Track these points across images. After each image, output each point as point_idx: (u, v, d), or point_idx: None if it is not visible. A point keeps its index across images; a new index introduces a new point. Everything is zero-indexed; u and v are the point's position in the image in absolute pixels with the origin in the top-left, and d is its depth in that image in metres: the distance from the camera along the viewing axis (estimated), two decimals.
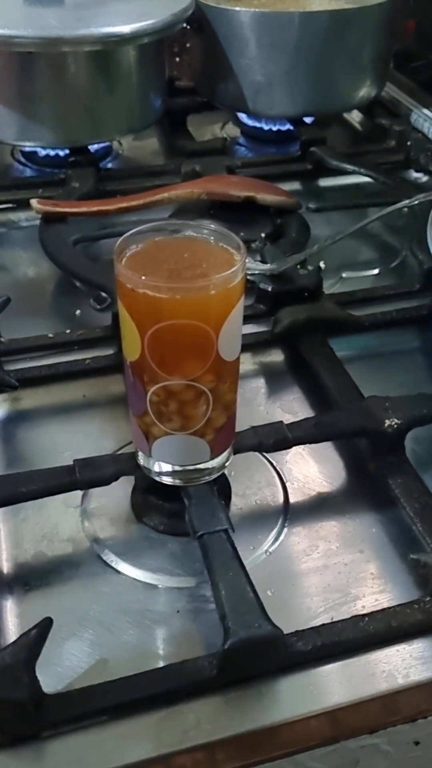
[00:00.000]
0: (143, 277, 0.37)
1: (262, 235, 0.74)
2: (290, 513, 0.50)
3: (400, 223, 0.83)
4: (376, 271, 0.75)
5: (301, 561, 0.47)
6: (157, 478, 0.46)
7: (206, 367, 0.40)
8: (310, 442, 0.50)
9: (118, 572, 0.46)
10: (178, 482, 0.45)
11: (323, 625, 0.41)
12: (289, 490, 0.52)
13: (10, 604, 0.45)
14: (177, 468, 0.45)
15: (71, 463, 0.47)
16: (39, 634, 0.38)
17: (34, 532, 0.49)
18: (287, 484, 0.52)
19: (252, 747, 0.38)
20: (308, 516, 0.50)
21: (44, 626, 0.38)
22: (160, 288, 0.37)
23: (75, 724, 0.37)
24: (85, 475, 0.46)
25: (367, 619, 0.41)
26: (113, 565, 0.47)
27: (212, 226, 0.40)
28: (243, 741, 0.37)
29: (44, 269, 0.73)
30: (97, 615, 0.44)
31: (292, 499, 0.51)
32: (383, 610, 0.42)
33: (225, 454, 0.46)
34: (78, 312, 0.69)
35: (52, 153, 0.90)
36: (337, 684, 0.39)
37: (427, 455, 0.53)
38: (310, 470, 0.53)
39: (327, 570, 0.46)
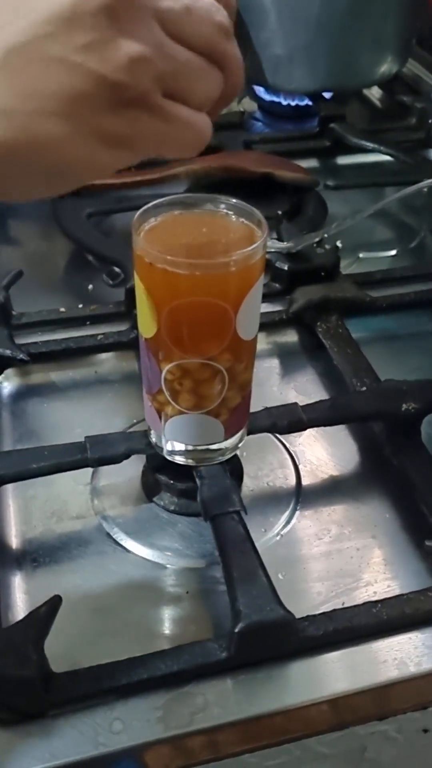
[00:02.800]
0: (163, 253, 0.36)
1: (279, 212, 0.73)
2: (302, 496, 0.49)
3: (419, 203, 0.81)
4: (393, 252, 0.74)
5: (312, 545, 0.46)
6: (169, 458, 0.45)
7: (223, 345, 0.39)
8: (325, 425, 0.50)
9: (127, 551, 0.46)
10: (190, 462, 0.45)
11: (335, 610, 0.40)
12: (302, 473, 0.51)
13: (18, 581, 0.44)
14: (190, 447, 0.44)
15: (82, 440, 0.46)
16: (48, 611, 0.37)
17: (43, 510, 0.48)
18: (300, 467, 0.51)
19: (260, 731, 0.37)
20: (320, 499, 0.49)
21: (53, 604, 0.38)
22: (179, 264, 0.36)
23: (82, 703, 0.37)
24: (96, 453, 0.45)
25: (379, 605, 0.40)
26: (122, 543, 0.46)
27: (233, 200, 0.39)
28: (251, 725, 0.37)
29: (57, 243, 0.72)
30: (106, 594, 0.44)
31: (304, 482, 0.50)
32: (396, 596, 0.41)
33: (239, 434, 0.45)
34: (91, 287, 0.68)
35: None
36: (347, 670, 0.39)
37: None
38: (323, 453, 0.52)
39: (338, 554, 0.46)
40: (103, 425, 0.54)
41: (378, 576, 0.45)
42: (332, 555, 0.46)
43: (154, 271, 0.36)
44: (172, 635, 0.41)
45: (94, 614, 0.42)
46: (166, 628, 0.42)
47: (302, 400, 0.51)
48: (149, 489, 0.49)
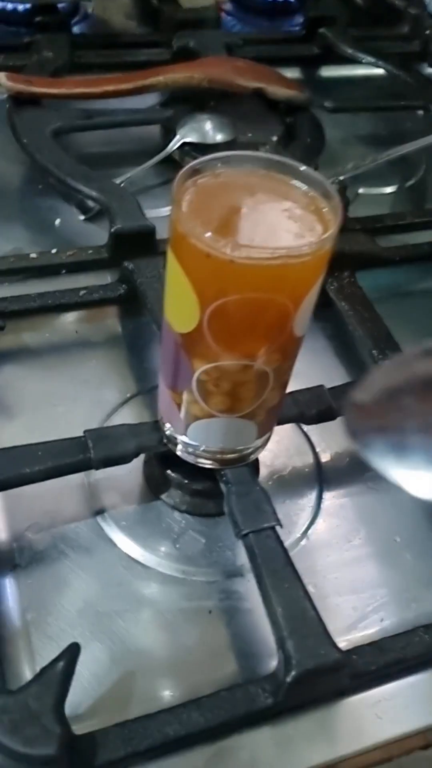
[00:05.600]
0: (219, 235, 0.28)
1: (274, 138, 0.63)
2: (325, 488, 0.44)
3: (416, 127, 0.73)
4: (393, 188, 0.67)
5: (342, 548, 0.42)
6: (190, 460, 0.38)
7: (275, 345, 0.32)
8: None
9: (134, 561, 0.40)
10: (215, 465, 0.38)
11: (384, 639, 0.36)
12: (322, 460, 0.46)
13: (9, 584, 0.38)
14: (216, 450, 0.38)
15: (81, 434, 0.39)
16: (66, 667, 0.31)
17: (33, 509, 0.41)
18: (319, 453, 0.46)
19: None
20: (346, 492, 0.44)
21: (71, 656, 0.32)
22: (242, 252, 0.28)
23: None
24: (100, 452, 0.38)
25: (429, 631, 0.36)
26: (128, 552, 0.40)
27: (302, 168, 0.31)
28: None
29: (11, 163, 0.61)
30: (114, 615, 0.38)
31: (326, 471, 0.45)
32: None
33: (270, 432, 0.39)
34: (58, 222, 0.58)
35: (9, 6, 0.74)
36: (401, 709, 0.35)
37: None
38: (344, 437, 0.47)
39: (371, 560, 0.41)
40: (91, 399, 0.46)
41: (413, 586, 0.41)
42: (364, 561, 0.41)
43: (203, 258, 0.28)
44: (201, 667, 0.36)
45: (102, 642, 0.37)
46: (192, 659, 0.37)
47: (317, 373, 0.44)
48: (155, 484, 0.42)
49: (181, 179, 0.30)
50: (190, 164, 0.30)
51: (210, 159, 0.31)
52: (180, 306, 0.31)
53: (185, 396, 0.35)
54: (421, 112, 0.73)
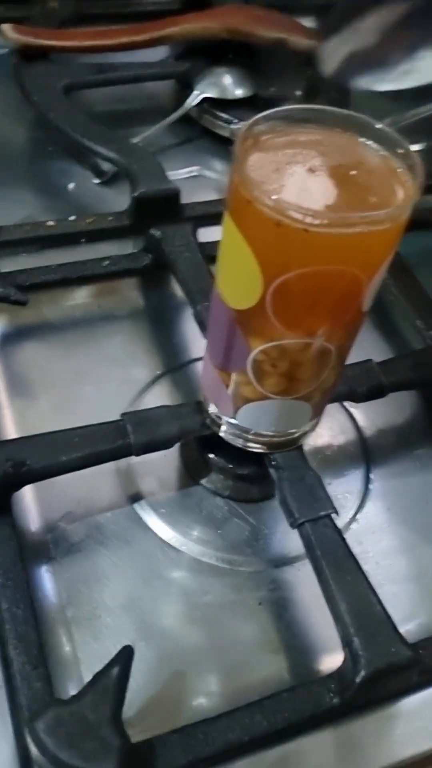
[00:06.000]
0: (289, 200, 0.25)
1: (297, 92, 0.60)
2: (373, 468, 0.42)
3: None
4: (421, 146, 0.63)
5: (394, 532, 0.39)
6: (238, 444, 0.36)
7: (342, 321, 0.29)
8: (407, 388, 0.41)
9: (177, 550, 0.37)
10: (264, 449, 0.36)
11: None
12: (367, 439, 0.43)
13: (46, 579, 0.35)
14: (267, 434, 0.35)
15: (119, 418, 0.36)
16: (121, 673, 0.29)
17: (67, 496, 0.38)
18: (363, 430, 0.43)
19: None
20: (395, 471, 0.42)
21: (125, 660, 0.29)
22: (317, 220, 0.25)
23: None
24: (141, 437, 0.36)
25: None
26: (170, 542, 0.38)
27: (378, 126, 0.28)
28: None
29: (16, 123, 0.57)
30: (158, 609, 0.35)
31: (372, 449, 0.43)
32: None
33: (321, 413, 0.36)
34: (71, 186, 0.54)
35: None
36: None
37: None
38: (388, 413, 0.44)
39: (426, 543, 0.39)
40: (120, 378, 0.44)
41: None
42: (418, 545, 0.39)
43: (275, 228, 0.25)
44: (254, 663, 0.34)
45: (148, 639, 0.34)
46: (244, 655, 0.34)
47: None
48: (194, 469, 0.40)
49: (242, 138, 0.27)
50: (252, 120, 0.27)
51: (272, 114, 0.27)
52: (239, 280, 0.28)
53: (236, 377, 0.32)
54: None
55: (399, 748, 0.32)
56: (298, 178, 0.26)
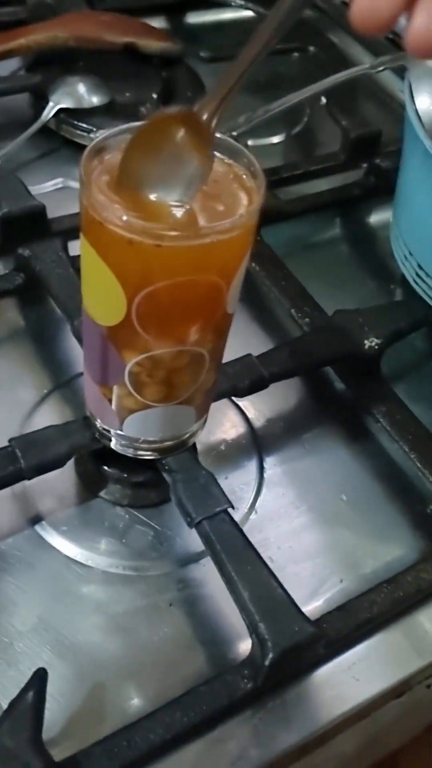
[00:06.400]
0: (140, 218, 0.26)
1: (153, 95, 0.60)
2: (265, 457, 0.43)
3: (294, 70, 0.72)
4: (280, 138, 0.65)
5: (291, 516, 0.41)
6: (129, 454, 0.36)
7: (209, 326, 0.30)
8: (288, 377, 0.43)
9: (84, 565, 0.38)
10: (155, 456, 0.37)
11: (350, 601, 0.36)
12: (257, 430, 0.45)
13: None
14: (155, 440, 0.36)
15: (6, 444, 0.36)
16: (36, 696, 0.29)
17: None
18: (252, 421, 0.45)
19: (297, 756, 0.33)
20: (286, 457, 0.44)
21: (39, 683, 0.30)
22: (168, 235, 0.26)
23: None
24: (31, 459, 0.36)
25: (392, 585, 0.37)
26: (75, 558, 0.38)
27: (219, 136, 0.29)
28: (292, 754, 0.33)
29: None
30: (71, 626, 0.36)
31: (262, 439, 0.44)
32: (408, 570, 0.37)
33: (207, 413, 0.37)
34: None
35: None
36: (376, 666, 0.35)
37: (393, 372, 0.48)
38: (275, 401, 0.46)
39: (321, 523, 0.41)
40: (5, 402, 0.43)
41: (367, 544, 0.41)
42: (314, 526, 0.41)
43: (128, 246, 0.26)
44: (172, 663, 0.35)
45: (64, 657, 0.35)
46: (161, 657, 0.35)
47: (232, 339, 0.43)
48: (91, 482, 0.40)
49: (87, 159, 0.27)
50: (95, 141, 0.28)
51: (116, 132, 0.28)
52: (102, 298, 0.29)
53: (117, 390, 0.33)
54: (296, 54, 0.71)
55: (316, 718, 0.34)
56: (146, 194, 0.27)
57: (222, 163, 0.29)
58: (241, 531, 0.35)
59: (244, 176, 0.29)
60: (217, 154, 0.29)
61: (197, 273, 0.27)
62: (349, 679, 0.35)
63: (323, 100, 0.68)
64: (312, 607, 0.37)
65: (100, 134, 0.28)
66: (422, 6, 0.22)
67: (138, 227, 0.26)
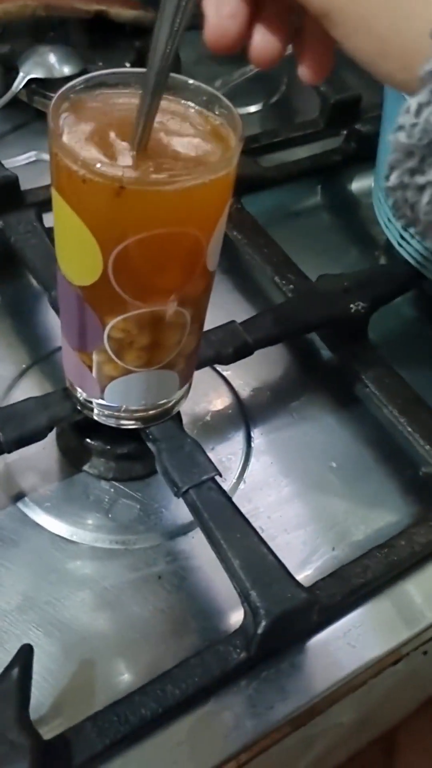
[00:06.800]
0: (115, 164, 0.24)
1: (127, 64, 0.59)
2: (252, 426, 0.42)
3: None
4: (258, 107, 0.64)
5: (280, 485, 0.40)
6: (111, 424, 0.35)
7: (190, 284, 0.29)
8: (273, 343, 0.42)
9: (70, 541, 0.37)
10: (138, 425, 0.36)
11: (343, 567, 0.35)
12: (243, 400, 0.44)
13: None
14: (138, 408, 0.35)
15: None
16: (22, 672, 0.28)
17: None
18: (238, 391, 0.44)
19: (294, 725, 0.33)
20: (273, 426, 0.43)
21: (25, 659, 0.29)
22: (143, 182, 0.24)
23: (93, 764, 0.29)
24: (11, 433, 0.34)
25: (386, 549, 0.36)
26: (60, 533, 0.37)
27: (190, 82, 0.27)
28: (287, 725, 0.32)
29: None
30: (61, 605, 0.35)
31: (249, 409, 0.43)
32: (401, 534, 0.37)
33: (191, 379, 0.36)
34: None
35: None
36: (372, 632, 0.35)
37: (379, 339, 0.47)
38: (260, 370, 0.45)
39: (311, 491, 0.40)
40: None
41: (357, 509, 0.40)
42: (304, 494, 0.40)
43: (103, 195, 0.25)
44: (162, 636, 0.34)
45: (51, 635, 0.34)
46: (152, 630, 0.34)
47: (215, 307, 0.42)
48: (74, 456, 0.39)
49: (54, 108, 0.26)
50: (63, 89, 0.26)
51: (84, 80, 0.27)
52: (77, 255, 0.28)
53: (96, 356, 0.32)
54: None
55: (312, 686, 0.33)
56: (120, 143, 0.26)
57: (197, 112, 0.28)
58: (229, 498, 0.34)
59: (220, 123, 0.28)
60: (192, 103, 0.28)
61: (176, 224, 0.26)
62: (345, 646, 0.34)
63: None
64: (305, 575, 0.36)
65: (73, 82, 0.26)
66: (258, 27, 0.26)
67: (114, 174, 0.24)
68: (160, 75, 0.25)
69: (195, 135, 0.27)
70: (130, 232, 0.26)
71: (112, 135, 0.26)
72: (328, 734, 0.42)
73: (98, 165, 0.24)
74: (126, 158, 0.26)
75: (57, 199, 0.27)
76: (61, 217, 0.27)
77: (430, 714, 0.92)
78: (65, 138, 0.25)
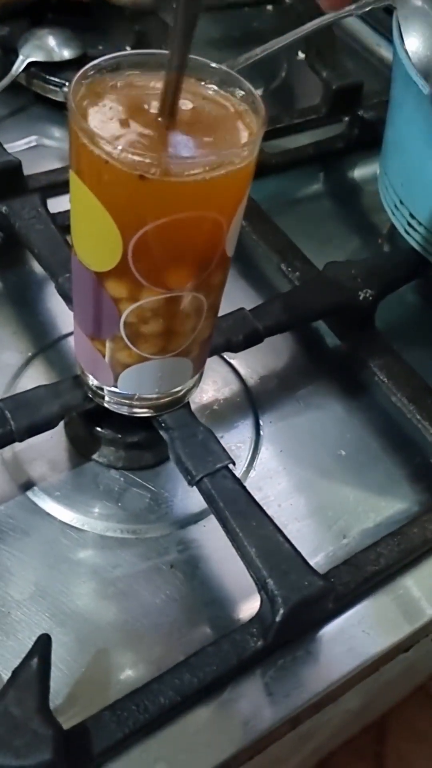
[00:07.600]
0: (140, 148, 0.24)
1: (127, 48, 0.58)
2: (261, 415, 0.42)
3: (269, 24, 0.70)
4: (259, 93, 0.63)
5: (290, 473, 0.40)
6: (124, 412, 0.35)
7: (209, 269, 0.29)
8: (283, 330, 0.41)
9: (80, 530, 0.36)
10: (151, 413, 0.35)
11: (356, 555, 0.35)
12: (251, 388, 0.43)
13: None
14: (152, 396, 0.34)
15: None
16: (41, 662, 0.28)
17: None
18: (246, 379, 0.44)
19: (309, 712, 0.33)
20: (282, 414, 0.42)
21: (44, 649, 0.28)
22: (169, 166, 0.24)
23: (112, 755, 0.29)
24: (22, 421, 0.34)
25: (398, 537, 0.36)
26: (71, 523, 0.36)
27: (215, 66, 0.27)
28: (306, 711, 0.32)
29: None
30: (73, 594, 0.34)
31: (257, 397, 0.43)
32: (413, 521, 0.37)
33: (203, 367, 0.36)
34: None
35: None
36: (385, 621, 0.35)
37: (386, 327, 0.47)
38: (268, 358, 0.45)
39: (321, 479, 0.40)
40: None
41: (368, 497, 0.40)
42: (313, 484, 0.40)
43: (126, 180, 0.24)
44: (176, 625, 0.34)
45: (64, 625, 0.33)
46: (165, 619, 0.34)
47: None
48: (83, 445, 0.39)
49: (74, 90, 0.25)
50: (83, 70, 0.26)
51: (103, 61, 0.26)
52: (97, 240, 0.27)
53: (110, 343, 0.31)
54: (270, 7, 0.69)
55: (328, 674, 0.33)
56: (143, 126, 0.25)
57: (218, 95, 0.27)
58: (243, 487, 0.34)
59: (242, 109, 0.27)
60: (213, 87, 0.28)
61: (198, 208, 0.26)
62: (360, 634, 0.34)
63: (300, 54, 0.66)
64: (316, 563, 0.36)
65: (92, 64, 0.26)
66: None
67: (133, 160, 0.24)
68: (184, 47, 0.24)
69: (219, 119, 0.27)
70: (151, 216, 0.25)
71: (136, 117, 0.26)
72: (335, 721, 0.42)
73: (121, 149, 0.24)
74: (150, 141, 0.25)
75: (76, 182, 0.26)
76: (79, 202, 0.27)
77: (420, 700, 0.94)
78: (89, 120, 0.25)
